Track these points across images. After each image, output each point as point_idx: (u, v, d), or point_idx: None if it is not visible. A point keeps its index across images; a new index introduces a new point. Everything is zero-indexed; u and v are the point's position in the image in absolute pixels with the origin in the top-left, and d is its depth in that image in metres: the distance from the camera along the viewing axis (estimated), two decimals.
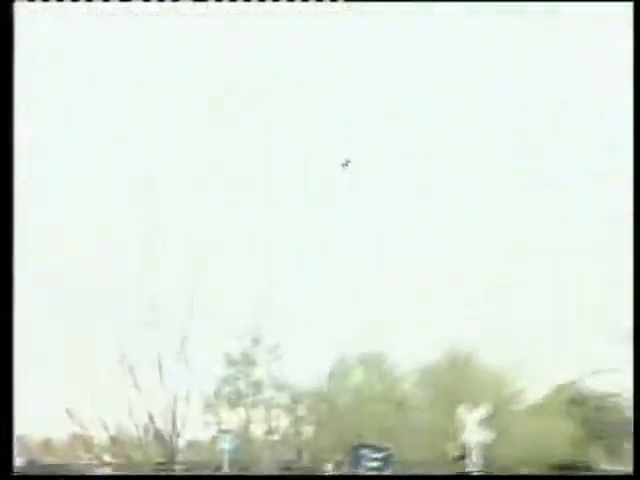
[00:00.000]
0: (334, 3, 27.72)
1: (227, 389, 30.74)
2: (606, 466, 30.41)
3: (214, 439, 29.90)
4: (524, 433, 29.74)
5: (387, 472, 26.58)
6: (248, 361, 30.59)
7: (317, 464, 28.41)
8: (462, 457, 24.85)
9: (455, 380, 30.88)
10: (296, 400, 31.89)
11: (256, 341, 30.70)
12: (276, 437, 31.19)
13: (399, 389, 32.78)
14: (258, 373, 31.05)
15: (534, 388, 32.81)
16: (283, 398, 31.83)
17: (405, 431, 29.38)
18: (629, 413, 30.50)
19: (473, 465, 24.75)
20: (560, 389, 32.92)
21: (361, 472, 26.49)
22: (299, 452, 30.28)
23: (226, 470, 26.88)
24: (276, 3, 27.33)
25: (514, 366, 31.67)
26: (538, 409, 31.98)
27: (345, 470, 27.77)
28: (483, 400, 28.17)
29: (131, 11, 29.88)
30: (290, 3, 26.96)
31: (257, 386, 31.11)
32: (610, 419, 31.89)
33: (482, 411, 27.47)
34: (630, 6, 11.82)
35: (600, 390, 33.01)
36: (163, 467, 28.13)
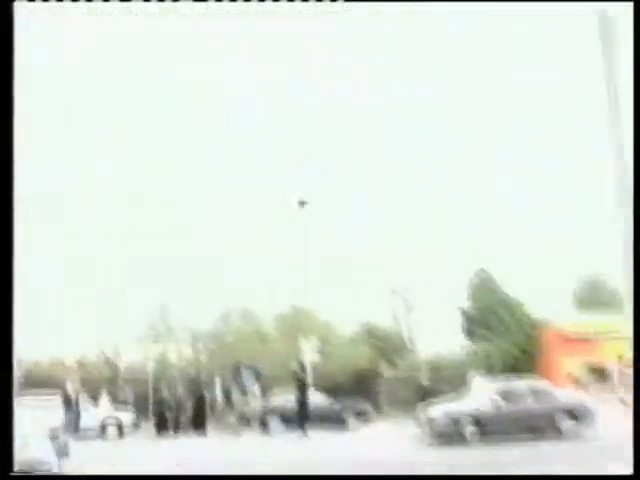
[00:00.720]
0: (334, 3, 26.89)
1: (152, 331, 39.58)
2: (385, 371, 37.66)
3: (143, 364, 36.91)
4: (340, 354, 38.17)
5: (257, 384, 30.71)
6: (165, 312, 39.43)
7: (210, 379, 33.71)
8: (301, 370, 28.68)
9: (298, 322, 38.25)
10: (196, 338, 40.56)
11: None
12: (183, 362, 38.96)
13: (263, 329, 41.32)
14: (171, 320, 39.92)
15: (346, 326, 42.10)
16: (188, 337, 40.37)
17: (267, 356, 36.35)
18: (397, 340, 41.10)
19: (307, 376, 29.64)
20: (362, 326, 41.50)
21: (241, 385, 30.67)
22: (198, 370, 36.95)
23: (150, 382, 33.78)
24: (276, 3, 27.29)
25: (334, 311, 40.34)
26: (349, 339, 41.57)
27: (228, 383, 32.22)
28: (315, 334, 35.74)
29: (131, 11, 28.68)
30: (290, 3, 26.34)
31: (170, 330, 39.90)
32: (391, 344, 40.47)
33: (314, 342, 34.67)
34: (630, 6, 10.96)
35: (385, 326, 41.60)
36: (110, 381, 35.93)
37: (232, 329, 40.73)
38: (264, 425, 27.77)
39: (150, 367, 35.73)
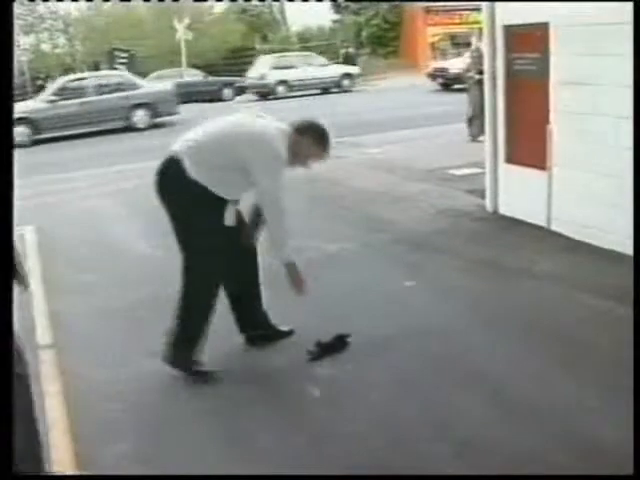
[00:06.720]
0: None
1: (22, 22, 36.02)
2: (258, 45, 37.27)
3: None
4: (215, 33, 37.01)
5: (132, 70, 26.78)
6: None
7: (86, 65, 33.42)
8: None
9: (171, 4, 35.73)
10: (68, 25, 39.00)
11: None
12: (58, 50, 38.27)
13: (136, 13, 38.92)
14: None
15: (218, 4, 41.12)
16: (59, 25, 38.85)
17: (141, 39, 34.73)
18: (268, 15, 40.78)
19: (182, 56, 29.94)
20: (234, 4, 40.62)
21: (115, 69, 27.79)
22: (73, 58, 36.90)
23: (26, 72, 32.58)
24: (276, 3, 26.43)
25: None
26: (221, 17, 40.74)
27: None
28: (188, 14, 33.40)
29: None
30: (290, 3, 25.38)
31: (41, 18, 37.90)
32: (263, 19, 40.47)
33: (188, 22, 32.40)
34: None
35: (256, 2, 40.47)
36: None
37: (104, 14, 38.61)
38: None
39: (25, 58, 34.81)
